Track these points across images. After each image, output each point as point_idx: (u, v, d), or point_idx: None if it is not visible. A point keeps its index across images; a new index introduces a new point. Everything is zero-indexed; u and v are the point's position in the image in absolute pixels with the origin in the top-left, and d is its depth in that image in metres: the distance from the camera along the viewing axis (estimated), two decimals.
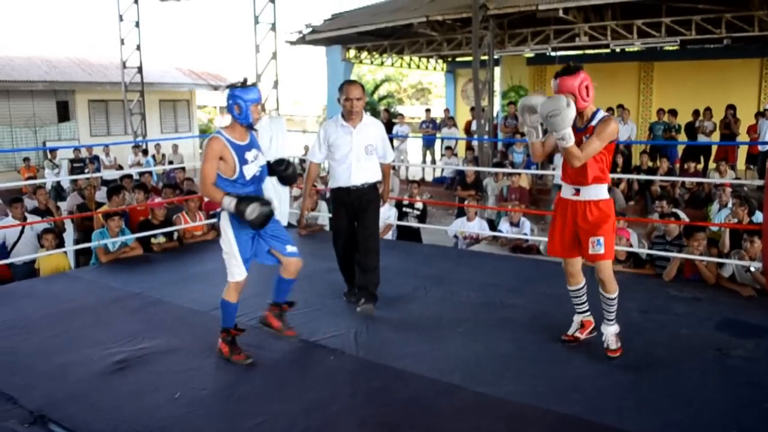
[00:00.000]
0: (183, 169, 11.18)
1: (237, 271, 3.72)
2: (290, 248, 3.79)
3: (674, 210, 7.22)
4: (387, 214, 7.67)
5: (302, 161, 16.42)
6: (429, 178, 14.57)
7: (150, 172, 11.14)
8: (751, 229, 5.50)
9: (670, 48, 14.53)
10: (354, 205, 4.62)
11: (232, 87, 3.64)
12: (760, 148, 10.82)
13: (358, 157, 4.53)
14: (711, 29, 11.68)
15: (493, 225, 8.31)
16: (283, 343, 3.97)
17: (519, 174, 9.78)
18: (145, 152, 15.38)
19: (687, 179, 9.46)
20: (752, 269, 5.12)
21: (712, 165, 11.53)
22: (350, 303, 4.76)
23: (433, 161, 14.96)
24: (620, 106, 12.63)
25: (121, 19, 17.18)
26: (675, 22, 11.94)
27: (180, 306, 4.78)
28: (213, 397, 3.35)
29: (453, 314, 4.56)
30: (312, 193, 4.91)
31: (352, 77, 16.86)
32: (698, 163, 11.35)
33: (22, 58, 18.98)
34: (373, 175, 4.65)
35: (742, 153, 12.15)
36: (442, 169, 14.02)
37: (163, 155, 16.36)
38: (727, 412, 3.15)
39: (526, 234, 7.86)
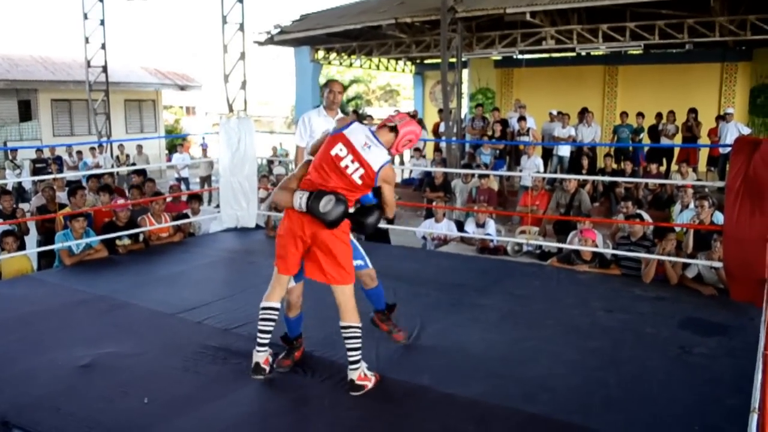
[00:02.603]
0: (143, 172, 11.04)
1: None
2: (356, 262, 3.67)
3: (638, 211, 7.35)
4: None
5: (270, 162, 16.43)
6: (397, 179, 14.59)
7: (113, 174, 10.98)
8: (713, 229, 5.63)
9: (634, 52, 14.84)
10: None
11: None
12: (720, 150, 11.06)
13: None
14: (674, 34, 11.94)
15: (461, 226, 8.37)
16: (251, 345, 3.93)
17: (488, 176, 9.85)
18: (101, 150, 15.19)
19: (650, 180, 9.64)
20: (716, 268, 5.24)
21: (674, 167, 11.77)
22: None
23: (402, 162, 14.99)
24: (584, 109, 12.84)
25: (85, 17, 16.86)
26: (639, 27, 12.17)
27: (147, 308, 4.72)
28: (183, 400, 3.31)
29: (422, 315, 4.57)
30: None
31: (321, 78, 16.82)
32: (661, 165, 11.57)
33: None
34: None
35: (703, 155, 12.42)
36: (411, 171, 14.07)
37: (127, 156, 16.14)
38: (690, 408, 3.23)
39: (490, 234, 7.93)
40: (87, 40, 17.00)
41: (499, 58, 16.56)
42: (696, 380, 3.54)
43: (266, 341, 3.41)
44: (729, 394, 3.34)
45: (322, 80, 20.95)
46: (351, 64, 18.42)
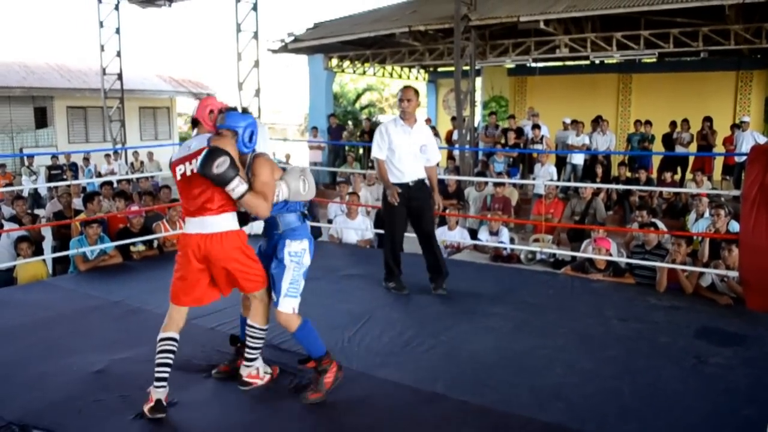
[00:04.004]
0: (147, 178, 11.11)
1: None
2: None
3: (653, 220, 7.31)
4: (363, 225, 7.68)
5: (283, 169, 16.40)
6: None
7: (128, 180, 11.06)
8: (729, 238, 5.58)
9: (649, 60, 14.76)
10: (411, 199, 5.11)
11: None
12: (736, 159, 10.98)
13: (415, 155, 5.03)
14: (688, 42, 11.88)
15: (474, 234, 8.35)
16: (264, 350, 3.95)
17: (503, 184, 9.83)
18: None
19: (665, 189, 9.58)
20: (728, 278, 5.20)
21: (689, 176, 11.70)
22: (389, 289, 5.30)
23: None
24: (598, 117, 12.80)
25: (101, 25, 17.03)
26: (653, 35, 12.12)
27: (161, 314, 4.67)
28: (198, 404, 3.31)
29: (435, 323, 4.57)
30: (390, 184, 5.14)
31: (334, 86, 16.88)
32: (675, 174, 11.50)
33: None
34: (423, 173, 5.18)
35: (718, 164, 12.34)
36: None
37: (141, 163, 16.27)
38: (706, 419, 3.20)
39: (503, 242, 7.91)
40: (102, 48, 17.17)
41: (512, 66, 16.57)
42: (712, 390, 3.50)
43: (165, 375, 3.24)
44: (745, 405, 3.31)
45: (336, 88, 21.05)
46: (364, 72, 18.46)
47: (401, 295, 5.22)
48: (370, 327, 4.42)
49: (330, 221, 8.02)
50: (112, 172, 14.78)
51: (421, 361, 3.89)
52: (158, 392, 3.19)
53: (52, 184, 11.74)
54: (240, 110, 3.41)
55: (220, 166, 2.97)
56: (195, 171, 3.13)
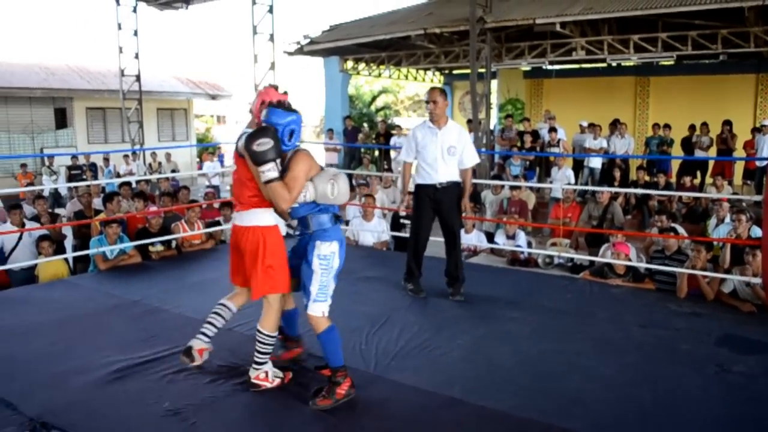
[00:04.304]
0: (167, 178, 11.20)
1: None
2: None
3: (672, 224, 7.25)
4: (380, 228, 7.68)
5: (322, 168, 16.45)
6: None
7: (147, 181, 11.14)
8: (752, 244, 5.52)
9: (666, 63, 14.64)
10: (438, 202, 5.10)
11: None
12: (757, 163, 10.86)
13: (443, 156, 5.00)
14: (707, 45, 11.77)
15: (491, 237, 8.32)
16: (281, 351, 3.96)
17: (520, 187, 9.79)
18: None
19: (685, 194, 9.49)
20: (751, 284, 5.13)
21: (708, 180, 11.58)
22: (408, 292, 5.28)
23: None
24: (616, 120, 12.71)
25: (119, 27, 17.19)
26: (671, 38, 12.03)
27: (179, 314, 4.76)
28: (216, 405, 3.32)
29: (452, 327, 4.55)
30: (404, 189, 5.31)
31: (350, 88, 16.90)
32: (695, 178, 11.40)
33: (20, 65, 18.99)
34: (454, 175, 5.13)
35: (738, 168, 12.21)
36: None
37: (159, 163, 16.40)
38: (728, 428, 3.16)
39: (520, 246, 7.87)
40: (121, 50, 17.34)
41: (528, 68, 16.51)
42: (734, 399, 3.45)
43: (207, 332, 3.63)
44: None
45: (351, 90, 21.08)
46: (380, 75, 18.49)
47: (418, 298, 5.21)
48: (387, 330, 4.42)
49: (347, 223, 8.02)
50: (131, 173, 14.90)
51: (438, 364, 3.88)
52: (194, 341, 3.53)
53: (73, 184, 11.85)
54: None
55: (261, 145, 3.07)
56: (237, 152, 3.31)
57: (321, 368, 3.47)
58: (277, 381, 3.52)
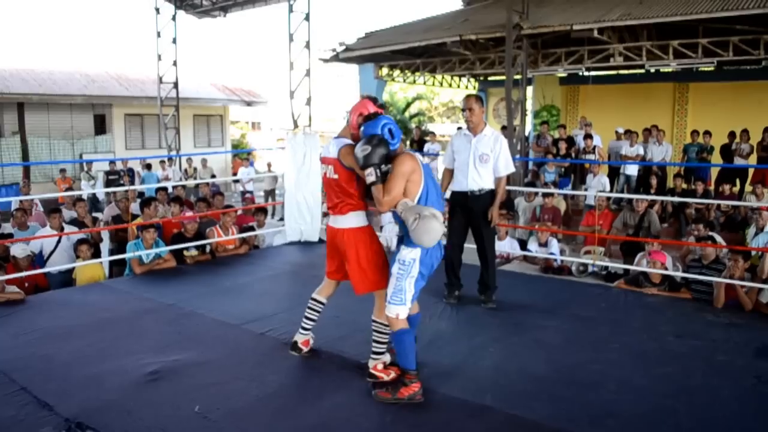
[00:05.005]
0: (208, 184, 11.36)
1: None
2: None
3: (710, 233, 7.09)
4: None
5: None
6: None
7: (183, 186, 11.30)
8: None
9: (706, 69, 14.34)
10: (470, 209, 5.09)
11: None
12: None
13: (474, 164, 4.99)
14: (749, 50, 11.50)
15: (524, 245, 8.25)
16: (315, 357, 3.98)
17: (552, 194, 9.69)
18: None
19: (723, 202, 9.28)
20: None
21: (748, 188, 11.31)
22: (449, 304, 5.21)
23: None
24: (654, 127, 12.50)
25: (158, 35, 17.54)
26: (712, 43, 11.78)
27: (212, 318, 4.82)
28: (247, 410, 3.35)
29: (484, 334, 4.52)
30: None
31: (384, 94, 16.94)
32: (734, 186, 11.14)
33: (62, 72, 19.47)
34: (488, 183, 5.08)
35: None
36: None
37: (195, 169, 16.63)
38: None
39: (553, 254, 7.79)
40: (159, 58, 17.69)
41: (564, 74, 16.36)
42: None
43: (306, 325, 3.96)
44: None
45: (386, 96, 21.11)
46: (414, 81, 18.49)
47: (449, 304, 5.18)
48: (418, 337, 4.39)
49: (381, 228, 8.03)
50: (167, 178, 15.15)
51: (469, 372, 3.85)
52: (297, 336, 3.94)
53: (110, 189, 12.10)
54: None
55: (363, 150, 3.28)
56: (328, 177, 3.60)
57: (393, 364, 3.64)
58: (393, 375, 3.61)
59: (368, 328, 3.69)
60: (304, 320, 3.96)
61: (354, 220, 3.60)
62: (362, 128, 3.43)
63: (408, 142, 15.83)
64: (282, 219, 8.17)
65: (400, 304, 3.39)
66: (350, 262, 3.60)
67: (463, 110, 5.06)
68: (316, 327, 4.03)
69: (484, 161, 5.02)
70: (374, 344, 3.65)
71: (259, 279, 6.13)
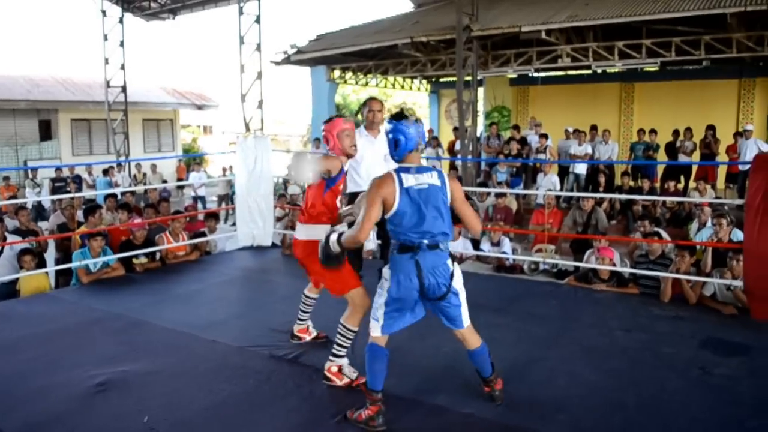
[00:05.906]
0: (156, 189, 11.17)
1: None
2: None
3: (656, 229, 7.28)
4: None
5: (286, 181, 16.49)
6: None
7: (133, 192, 11.08)
8: (733, 247, 5.56)
9: (651, 69, 14.75)
10: None
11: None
12: (740, 167, 10.95)
13: (378, 164, 4.89)
14: (690, 51, 11.87)
15: (476, 244, 8.33)
16: (267, 363, 3.94)
17: (505, 194, 9.81)
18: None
19: (668, 198, 9.55)
20: (733, 287, 5.17)
21: (692, 184, 11.66)
22: None
23: None
24: (596, 126, 12.80)
25: (105, 38, 17.15)
26: (655, 44, 12.12)
27: (162, 327, 4.73)
28: (197, 420, 3.29)
29: (437, 335, 4.52)
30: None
31: (336, 97, 16.91)
32: (678, 183, 11.47)
33: (4, 76, 18.89)
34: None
35: (721, 172, 12.30)
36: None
37: (144, 174, 16.32)
38: (711, 430, 3.16)
39: (505, 253, 7.89)
40: (107, 61, 17.29)
41: (514, 76, 16.60)
42: (717, 402, 3.46)
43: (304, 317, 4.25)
44: (751, 416, 3.28)
45: (338, 99, 21.08)
46: (367, 83, 18.52)
47: None
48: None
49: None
50: (116, 184, 14.83)
51: (422, 372, 3.87)
52: (294, 326, 4.34)
53: (56, 197, 11.78)
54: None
55: (325, 250, 3.38)
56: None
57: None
58: (347, 381, 3.63)
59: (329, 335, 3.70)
60: (300, 313, 4.22)
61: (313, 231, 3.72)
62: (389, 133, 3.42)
63: None
64: (234, 224, 8.07)
65: (374, 319, 3.32)
66: (318, 270, 3.66)
67: (370, 111, 4.90)
68: (277, 337, 4.04)
69: (387, 161, 4.93)
70: (335, 346, 3.65)
71: (210, 285, 6.05)
